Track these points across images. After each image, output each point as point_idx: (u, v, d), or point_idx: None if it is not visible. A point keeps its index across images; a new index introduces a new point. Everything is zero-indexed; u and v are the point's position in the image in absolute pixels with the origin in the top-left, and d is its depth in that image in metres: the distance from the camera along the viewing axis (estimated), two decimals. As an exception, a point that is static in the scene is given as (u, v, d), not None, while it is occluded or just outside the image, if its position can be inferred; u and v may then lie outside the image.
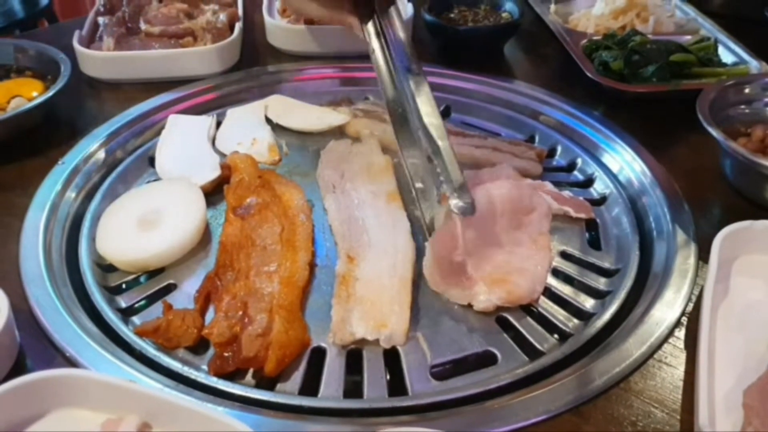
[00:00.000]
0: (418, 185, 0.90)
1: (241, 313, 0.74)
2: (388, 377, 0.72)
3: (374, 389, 0.70)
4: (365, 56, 1.20)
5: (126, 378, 0.67)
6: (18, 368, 0.69)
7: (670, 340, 0.74)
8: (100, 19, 1.25)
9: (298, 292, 0.78)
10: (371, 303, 0.76)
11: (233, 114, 1.11)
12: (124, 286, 0.83)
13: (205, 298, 0.78)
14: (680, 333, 0.75)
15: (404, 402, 0.68)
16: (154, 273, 0.83)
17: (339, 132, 1.07)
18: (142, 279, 0.84)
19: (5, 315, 0.69)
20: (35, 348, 0.72)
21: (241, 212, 0.88)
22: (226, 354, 0.72)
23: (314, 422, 0.66)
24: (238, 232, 0.85)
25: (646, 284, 0.82)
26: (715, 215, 0.91)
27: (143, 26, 1.24)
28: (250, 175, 0.93)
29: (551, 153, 1.06)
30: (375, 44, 1.00)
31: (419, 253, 0.83)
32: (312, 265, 0.83)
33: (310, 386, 0.71)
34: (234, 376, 0.71)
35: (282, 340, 0.70)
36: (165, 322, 0.74)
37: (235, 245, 0.83)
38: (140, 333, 0.74)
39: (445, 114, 1.16)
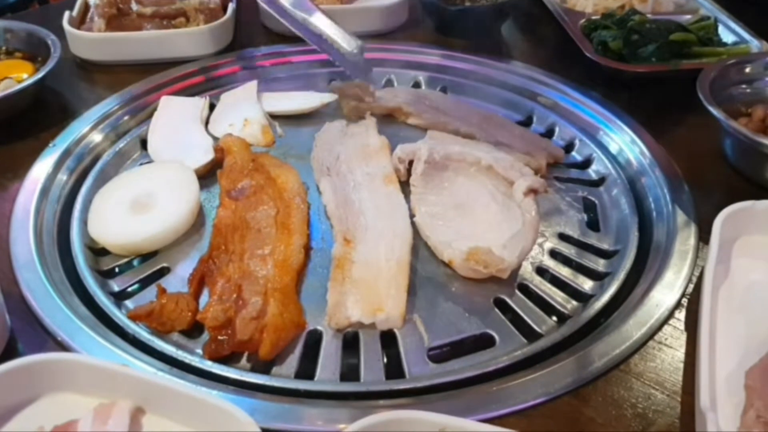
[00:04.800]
0: None
1: (235, 296, 0.73)
2: (385, 360, 0.71)
3: (371, 372, 0.69)
4: (357, 37, 1.19)
5: (119, 362, 0.66)
6: (9, 352, 0.68)
7: (671, 322, 0.73)
8: (91, 0, 1.23)
9: (293, 275, 0.76)
10: (367, 286, 0.75)
11: (225, 97, 1.09)
12: (116, 269, 0.82)
13: (199, 281, 0.77)
14: (680, 314, 0.74)
15: (401, 385, 0.68)
16: (147, 256, 0.82)
17: (333, 113, 1.06)
18: (135, 262, 0.83)
19: (-5, 299, 0.68)
20: (26, 332, 0.71)
21: (235, 195, 0.87)
22: (220, 338, 0.71)
23: (311, 405, 0.65)
24: (232, 215, 0.84)
25: (646, 265, 0.81)
26: (715, 196, 0.90)
27: (135, 7, 1.22)
28: (242, 159, 0.92)
29: (549, 134, 1.05)
30: None
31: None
32: (307, 248, 0.82)
33: (307, 369, 0.70)
34: (229, 359, 0.71)
35: (277, 323, 0.69)
36: (158, 306, 0.73)
37: (229, 228, 0.82)
38: (133, 317, 0.73)
39: (442, 94, 1.14)
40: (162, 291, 0.74)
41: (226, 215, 0.84)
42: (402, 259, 0.78)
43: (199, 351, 0.71)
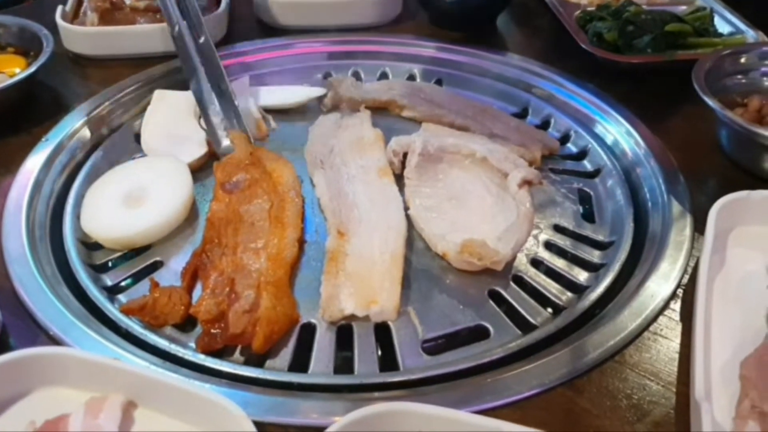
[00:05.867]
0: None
1: (228, 289, 0.73)
2: (379, 352, 0.71)
3: (365, 365, 0.69)
4: (351, 30, 1.20)
5: (111, 356, 0.65)
6: (0, 347, 0.68)
7: (666, 313, 0.73)
8: (84, -6, 1.23)
9: (286, 269, 0.76)
10: (361, 279, 0.75)
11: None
12: (109, 263, 0.82)
13: (192, 275, 0.77)
14: (676, 305, 0.74)
15: (395, 377, 0.67)
16: (140, 250, 0.82)
17: (325, 106, 1.06)
18: (128, 256, 0.82)
19: (-14, 293, 0.68)
20: (18, 327, 0.71)
21: (229, 188, 0.87)
22: (213, 331, 0.70)
23: (304, 398, 0.65)
24: (226, 208, 0.83)
25: (641, 256, 0.81)
26: (710, 186, 0.90)
27: (128, 1, 1.22)
28: (242, 151, 0.91)
29: (544, 126, 1.04)
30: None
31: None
32: (301, 242, 0.82)
33: (300, 362, 0.70)
34: (222, 353, 0.70)
35: (270, 316, 0.69)
36: (151, 300, 0.72)
37: (223, 221, 0.82)
38: (126, 311, 0.73)
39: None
40: (155, 285, 0.74)
41: (220, 209, 0.84)
42: (396, 252, 0.78)
43: (192, 344, 0.71)
